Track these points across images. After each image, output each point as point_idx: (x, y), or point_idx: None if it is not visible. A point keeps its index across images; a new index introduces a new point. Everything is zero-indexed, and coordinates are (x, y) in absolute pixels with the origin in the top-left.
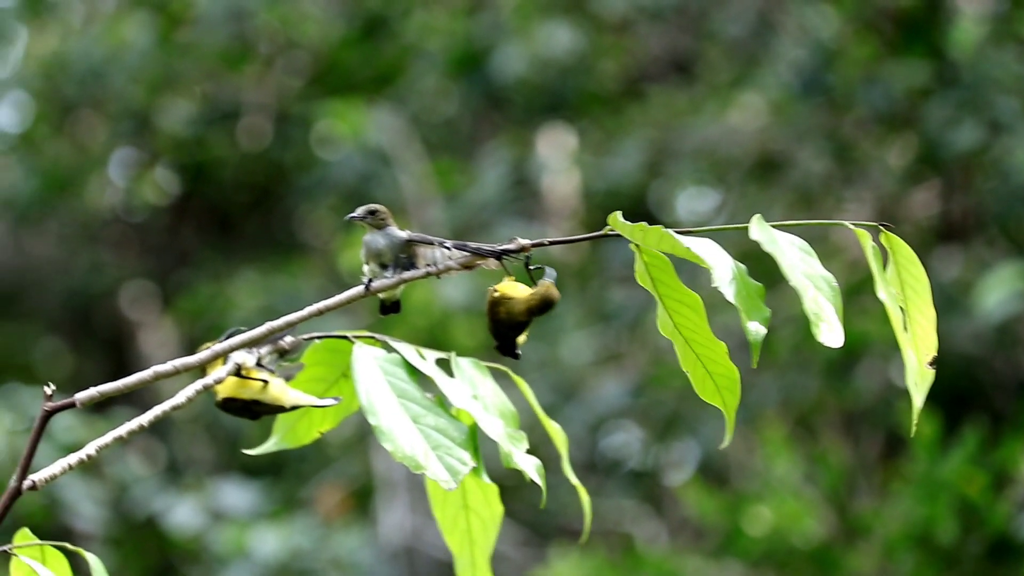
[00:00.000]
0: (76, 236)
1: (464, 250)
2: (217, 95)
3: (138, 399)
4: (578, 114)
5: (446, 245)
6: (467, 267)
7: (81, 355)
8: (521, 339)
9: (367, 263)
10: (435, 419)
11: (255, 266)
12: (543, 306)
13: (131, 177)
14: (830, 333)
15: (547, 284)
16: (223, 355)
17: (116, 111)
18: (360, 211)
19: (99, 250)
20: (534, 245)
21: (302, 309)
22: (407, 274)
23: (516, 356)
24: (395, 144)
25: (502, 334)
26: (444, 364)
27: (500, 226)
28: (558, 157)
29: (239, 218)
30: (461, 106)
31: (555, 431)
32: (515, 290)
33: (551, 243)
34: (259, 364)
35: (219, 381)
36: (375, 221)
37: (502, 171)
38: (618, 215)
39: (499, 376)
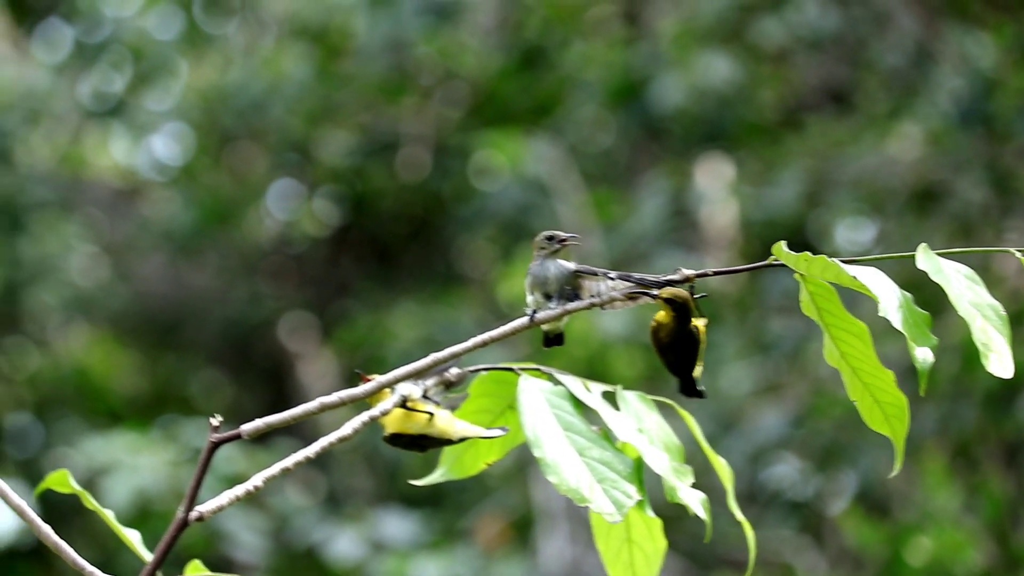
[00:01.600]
0: (235, 267)
1: (629, 281)
2: (376, 126)
3: (298, 430)
4: (736, 144)
5: (611, 276)
6: (631, 299)
7: (240, 387)
8: (697, 371)
9: (531, 293)
10: (600, 452)
11: (414, 297)
12: (677, 308)
13: (290, 208)
14: (999, 363)
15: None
16: (387, 386)
17: (275, 142)
18: (556, 235)
19: (258, 281)
20: (698, 276)
21: (461, 340)
22: (571, 305)
23: (701, 395)
24: (553, 175)
25: (677, 365)
26: (609, 397)
27: (658, 257)
28: (716, 187)
29: (398, 249)
30: (619, 136)
31: (720, 465)
32: (663, 321)
33: (715, 273)
34: (425, 396)
35: (385, 413)
36: (553, 248)
37: (660, 201)
38: (782, 245)
39: (662, 407)
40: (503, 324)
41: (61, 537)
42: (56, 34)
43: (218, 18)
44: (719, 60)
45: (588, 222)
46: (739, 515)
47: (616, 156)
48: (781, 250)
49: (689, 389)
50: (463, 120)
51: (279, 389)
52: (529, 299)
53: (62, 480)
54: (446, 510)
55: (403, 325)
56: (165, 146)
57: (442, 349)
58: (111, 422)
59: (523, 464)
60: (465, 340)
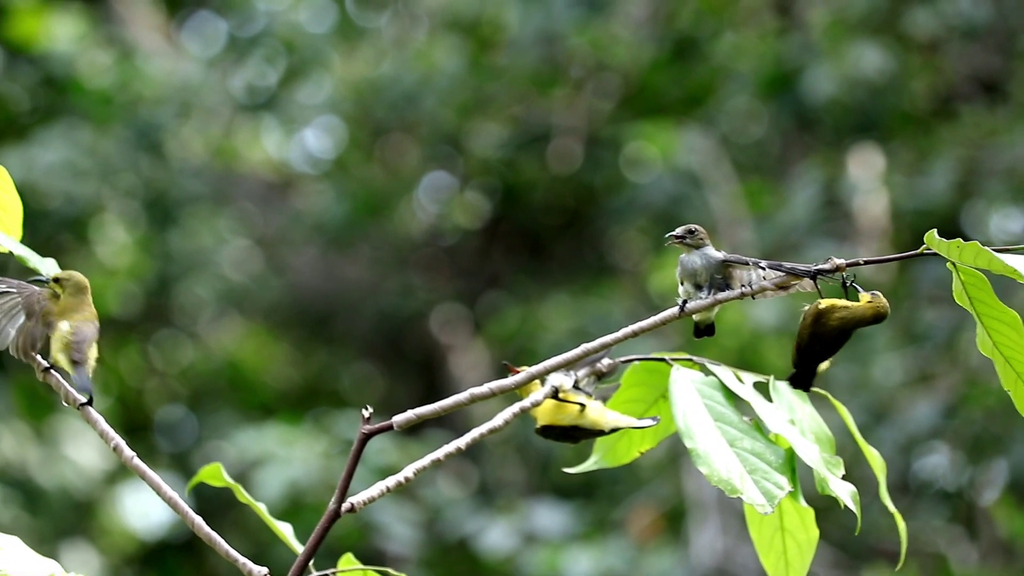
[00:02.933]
0: (387, 260)
1: (779, 270)
2: (527, 118)
3: (449, 422)
4: (888, 134)
5: (761, 265)
6: (782, 288)
7: (392, 379)
8: (824, 366)
9: (682, 283)
10: (752, 443)
11: (565, 288)
12: (877, 317)
13: (442, 200)
14: None
15: (879, 296)
16: (538, 377)
17: (427, 135)
18: (679, 231)
19: (410, 273)
20: (849, 265)
21: (612, 331)
22: (722, 295)
23: (808, 388)
24: (705, 165)
25: (814, 354)
26: (762, 387)
27: (810, 247)
28: (869, 177)
29: (549, 241)
30: (770, 127)
31: (873, 457)
32: (844, 304)
33: (866, 263)
34: (576, 387)
35: (536, 404)
36: (694, 241)
37: (812, 192)
38: (934, 233)
39: (814, 398)
40: (654, 315)
41: (214, 530)
42: (208, 28)
43: (370, 11)
44: (871, 50)
45: (740, 213)
46: (891, 506)
47: (768, 147)
48: (933, 238)
49: (804, 381)
50: (615, 111)
51: (431, 381)
52: (680, 289)
53: (215, 474)
54: (598, 502)
55: (554, 317)
56: (317, 139)
57: (593, 340)
58: (263, 415)
59: (675, 455)
60: (616, 331)
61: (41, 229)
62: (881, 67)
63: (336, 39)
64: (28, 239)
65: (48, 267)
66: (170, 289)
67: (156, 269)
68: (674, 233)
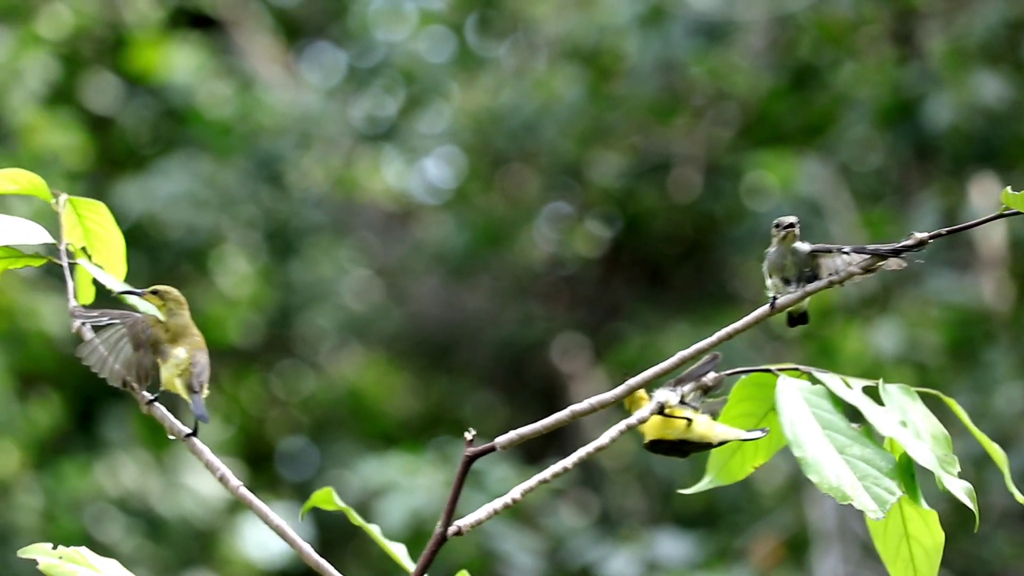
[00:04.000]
0: (507, 289)
1: (863, 253)
2: (647, 147)
3: (570, 449)
4: (1009, 162)
5: (845, 251)
6: (869, 270)
7: (513, 408)
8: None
9: (770, 277)
10: (861, 449)
11: (686, 317)
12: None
13: (562, 230)
14: None
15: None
16: (636, 388)
17: (547, 164)
18: (794, 219)
19: (530, 303)
20: (931, 237)
21: (734, 361)
22: (811, 287)
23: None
24: (824, 194)
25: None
26: (871, 392)
27: (930, 276)
28: (990, 207)
29: (669, 269)
30: (890, 155)
31: (994, 449)
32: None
33: (948, 232)
34: (682, 402)
35: (642, 421)
36: (793, 234)
37: (933, 221)
38: None
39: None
40: (776, 344)
41: (336, 559)
42: (327, 58)
43: (490, 41)
44: (990, 78)
45: (860, 241)
46: (1018, 495)
47: (887, 175)
48: None
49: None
50: (734, 140)
51: (551, 410)
52: (768, 283)
53: (327, 498)
54: (720, 530)
55: (675, 345)
56: (437, 169)
57: (718, 370)
58: (385, 444)
59: (796, 483)
60: (737, 361)
61: (162, 259)
62: (1001, 95)
63: (455, 69)
64: (149, 270)
65: (148, 307)
66: (291, 319)
67: (277, 299)
68: (793, 222)
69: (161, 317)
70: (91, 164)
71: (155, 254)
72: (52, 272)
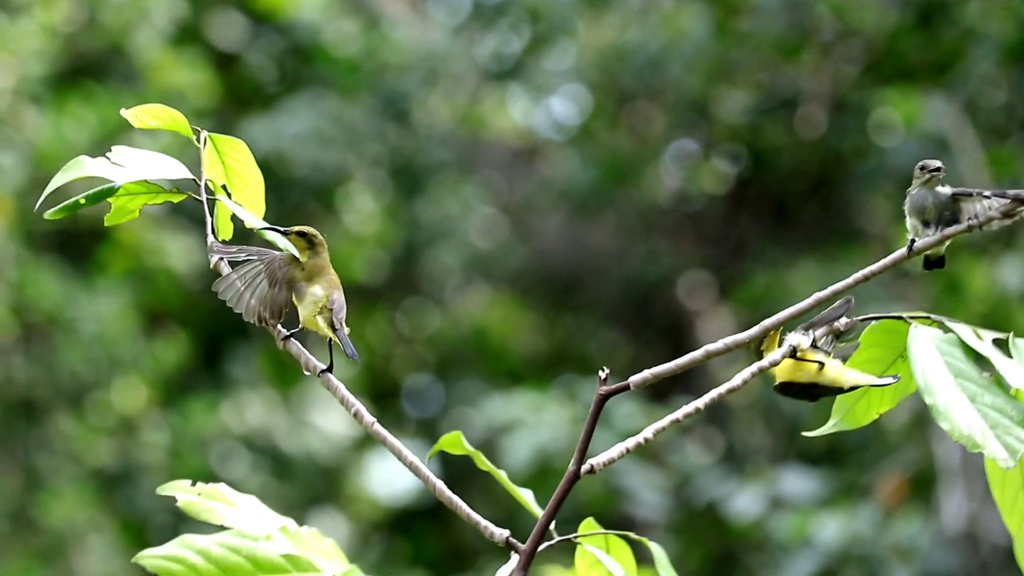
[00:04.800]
0: (633, 226)
1: (1004, 198)
2: (773, 84)
3: (695, 386)
4: None
5: (986, 195)
6: (1008, 216)
7: (639, 345)
8: None
9: (910, 217)
10: (992, 398)
11: (812, 255)
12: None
13: (687, 167)
14: None
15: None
16: (771, 330)
17: (673, 101)
18: (939, 163)
19: (655, 240)
20: None
21: (861, 298)
22: (949, 230)
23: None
24: (951, 131)
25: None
26: (1001, 344)
27: None
28: None
29: (795, 206)
30: (1017, 92)
31: None
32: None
33: None
34: (814, 345)
35: (774, 364)
36: (938, 178)
37: None
38: None
39: None
40: (903, 281)
41: (460, 496)
42: None
43: None
44: None
45: (986, 178)
46: None
47: (1014, 112)
48: None
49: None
50: (860, 77)
51: (677, 347)
52: (908, 224)
53: (455, 442)
54: (845, 467)
55: (801, 283)
56: (563, 106)
57: (850, 315)
58: (510, 382)
59: (922, 421)
60: (865, 298)
61: (289, 198)
62: None
63: (581, 6)
64: (276, 208)
65: (284, 242)
66: (417, 257)
67: (403, 237)
68: (940, 167)
69: (300, 256)
70: (217, 102)
71: (282, 192)
72: (178, 210)
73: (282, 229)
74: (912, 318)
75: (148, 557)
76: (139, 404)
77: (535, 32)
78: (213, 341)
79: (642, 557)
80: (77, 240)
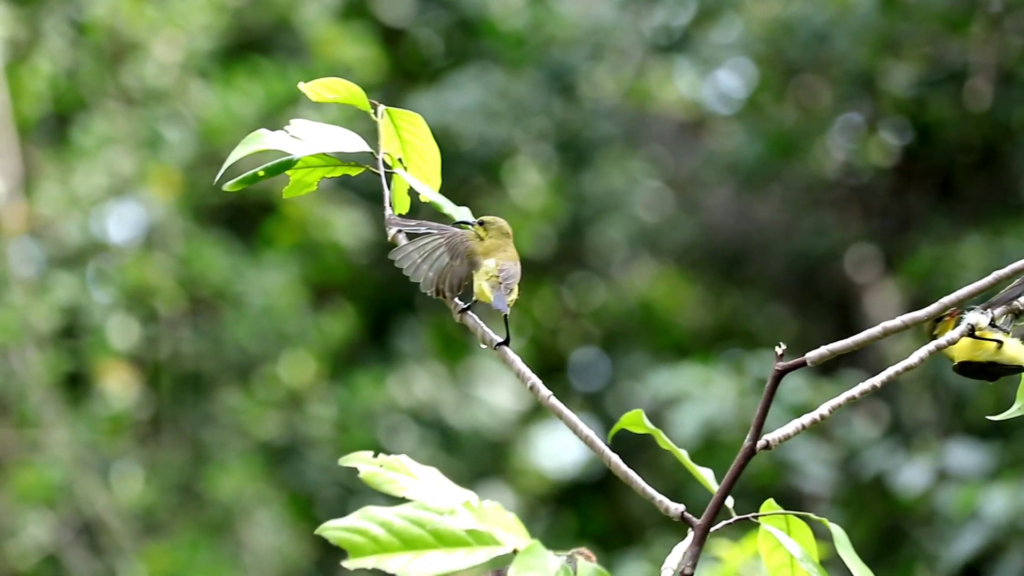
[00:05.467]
0: (800, 200)
1: None
2: (940, 56)
3: (862, 361)
4: None
5: None
6: None
7: (805, 319)
8: None
9: None
10: None
11: (979, 228)
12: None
13: (854, 140)
14: None
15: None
16: (949, 308)
17: (839, 74)
18: None
19: (822, 213)
20: None
21: None
22: None
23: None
24: None
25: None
26: None
27: None
28: None
29: (963, 179)
30: None
31: None
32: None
33: None
34: (993, 324)
35: (952, 342)
36: None
37: None
38: None
39: None
40: None
41: (631, 470)
42: None
43: None
44: None
45: None
46: None
47: None
48: None
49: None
50: None
51: (844, 321)
52: None
53: (636, 420)
54: (1014, 441)
55: (969, 256)
56: (729, 79)
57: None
58: (676, 355)
59: None
60: None
61: (455, 172)
62: None
63: None
64: (443, 182)
65: (463, 214)
66: (583, 231)
67: (569, 211)
68: None
69: (481, 235)
70: (384, 77)
71: (448, 166)
72: (345, 184)
73: (471, 222)
74: None
75: (331, 529)
76: (306, 378)
77: (701, 5)
78: (380, 315)
79: (818, 533)
80: (244, 214)
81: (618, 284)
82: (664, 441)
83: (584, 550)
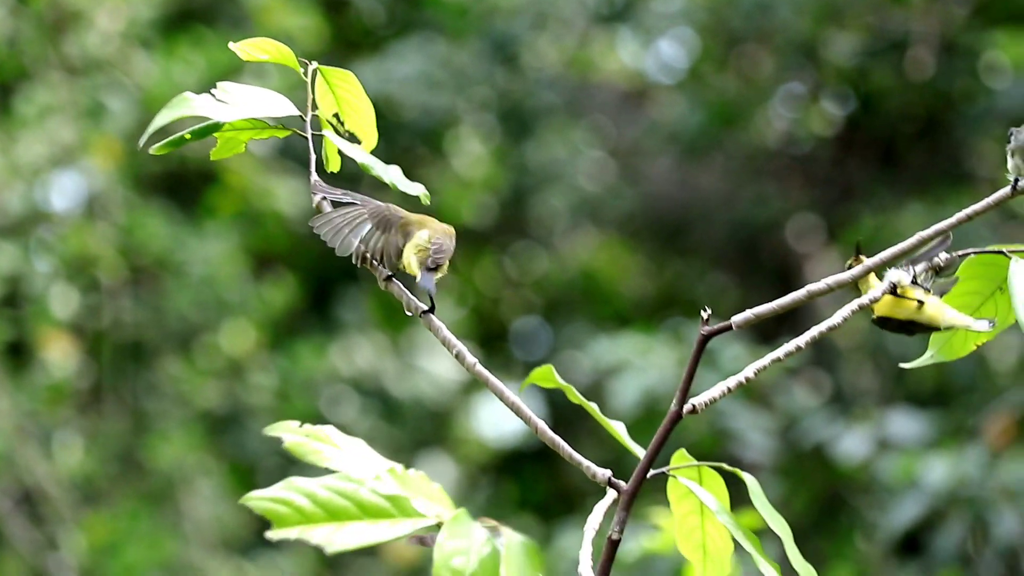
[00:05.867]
0: (742, 169)
1: None
2: (882, 26)
3: (803, 328)
4: None
5: None
6: None
7: (747, 289)
8: None
9: (1012, 157)
10: None
11: (920, 197)
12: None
13: (796, 109)
14: None
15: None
16: (873, 269)
17: (782, 44)
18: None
19: (764, 183)
20: None
21: (971, 242)
22: None
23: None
24: None
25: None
26: None
27: None
28: None
29: (904, 149)
30: None
31: None
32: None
33: None
34: (914, 282)
35: (874, 301)
36: None
37: None
38: None
39: None
40: (1012, 224)
41: (567, 439)
42: None
43: None
44: None
45: None
46: None
47: None
48: None
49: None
50: (970, 18)
51: (786, 290)
52: (1010, 164)
53: (547, 375)
54: (953, 409)
55: (910, 225)
56: (672, 49)
57: (949, 250)
58: (618, 325)
59: None
60: (973, 239)
61: (397, 141)
62: None
63: None
64: (384, 150)
65: (392, 175)
66: (525, 200)
67: (511, 180)
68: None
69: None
70: (326, 46)
71: (390, 136)
72: (286, 153)
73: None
74: (1012, 252)
75: (255, 499)
76: (247, 347)
77: None
78: (322, 284)
79: (741, 496)
80: (185, 183)
81: (560, 253)
82: (575, 396)
83: (507, 528)
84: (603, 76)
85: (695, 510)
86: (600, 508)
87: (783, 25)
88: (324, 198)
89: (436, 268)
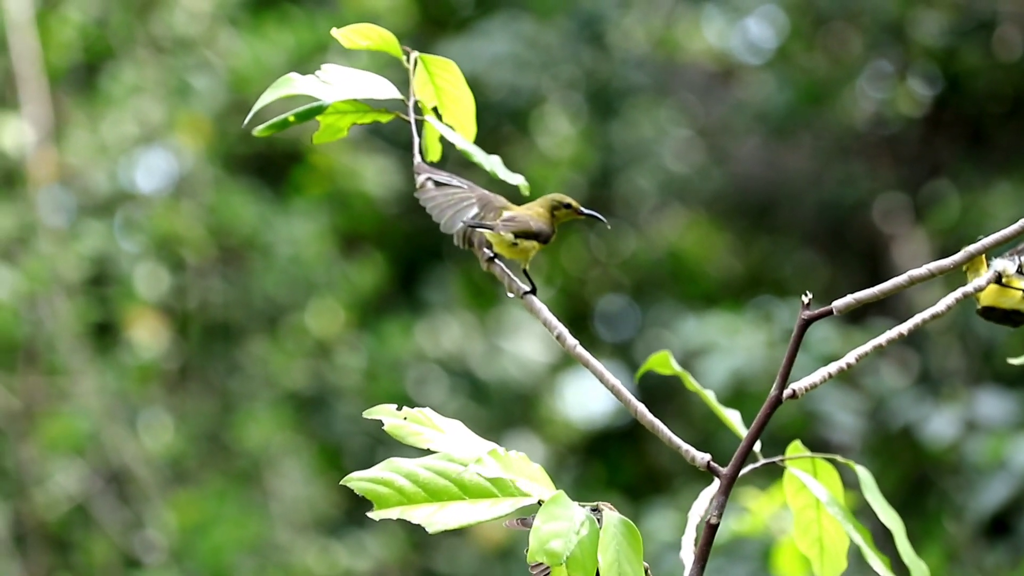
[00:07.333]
0: (829, 149)
1: None
2: (970, 5)
3: (892, 310)
4: None
5: None
6: None
7: (834, 268)
8: None
9: None
10: None
11: (1008, 177)
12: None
13: (884, 89)
14: None
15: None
16: (976, 256)
17: (869, 23)
18: None
19: (851, 162)
20: None
21: None
22: None
23: None
24: None
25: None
26: None
27: None
28: None
29: (992, 129)
30: None
31: None
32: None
33: None
34: (1020, 271)
35: (979, 289)
36: None
37: None
38: None
39: None
40: None
41: (656, 419)
42: None
43: None
44: None
45: None
46: None
47: None
48: None
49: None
50: None
51: (873, 270)
52: None
53: (663, 362)
54: None
55: (998, 205)
56: (759, 28)
57: None
58: (705, 304)
59: None
60: None
61: (484, 121)
62: None
63: None
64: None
65: (493, 163)
66: (612, 180)
67: (598, 160)
68: None
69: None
70: (413, 25)
71: (477, 116)
72: (374, 133)
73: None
74: None
75: (356, 480)
76: (335, 327)
77: None
78: (409, 264)
79: (846, 481)
80: (273, 163)
81: (647, 233)
82: (691, 383)
83: (608, 504)
84: (690, 56)
85: (812, 504)
86: (706, 495)
87: (871, 4)
88: (429, 178)
89: (488, 226)
